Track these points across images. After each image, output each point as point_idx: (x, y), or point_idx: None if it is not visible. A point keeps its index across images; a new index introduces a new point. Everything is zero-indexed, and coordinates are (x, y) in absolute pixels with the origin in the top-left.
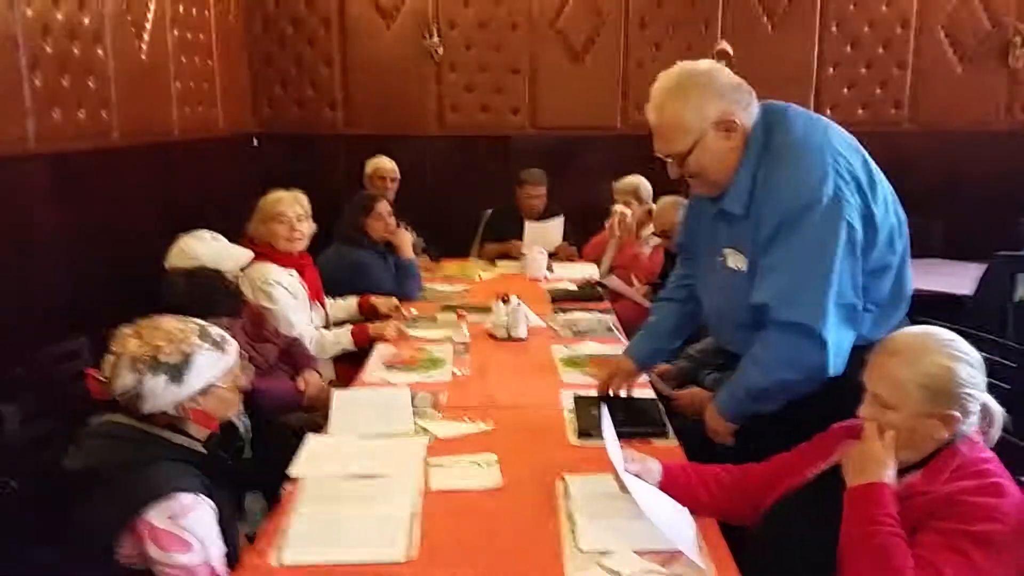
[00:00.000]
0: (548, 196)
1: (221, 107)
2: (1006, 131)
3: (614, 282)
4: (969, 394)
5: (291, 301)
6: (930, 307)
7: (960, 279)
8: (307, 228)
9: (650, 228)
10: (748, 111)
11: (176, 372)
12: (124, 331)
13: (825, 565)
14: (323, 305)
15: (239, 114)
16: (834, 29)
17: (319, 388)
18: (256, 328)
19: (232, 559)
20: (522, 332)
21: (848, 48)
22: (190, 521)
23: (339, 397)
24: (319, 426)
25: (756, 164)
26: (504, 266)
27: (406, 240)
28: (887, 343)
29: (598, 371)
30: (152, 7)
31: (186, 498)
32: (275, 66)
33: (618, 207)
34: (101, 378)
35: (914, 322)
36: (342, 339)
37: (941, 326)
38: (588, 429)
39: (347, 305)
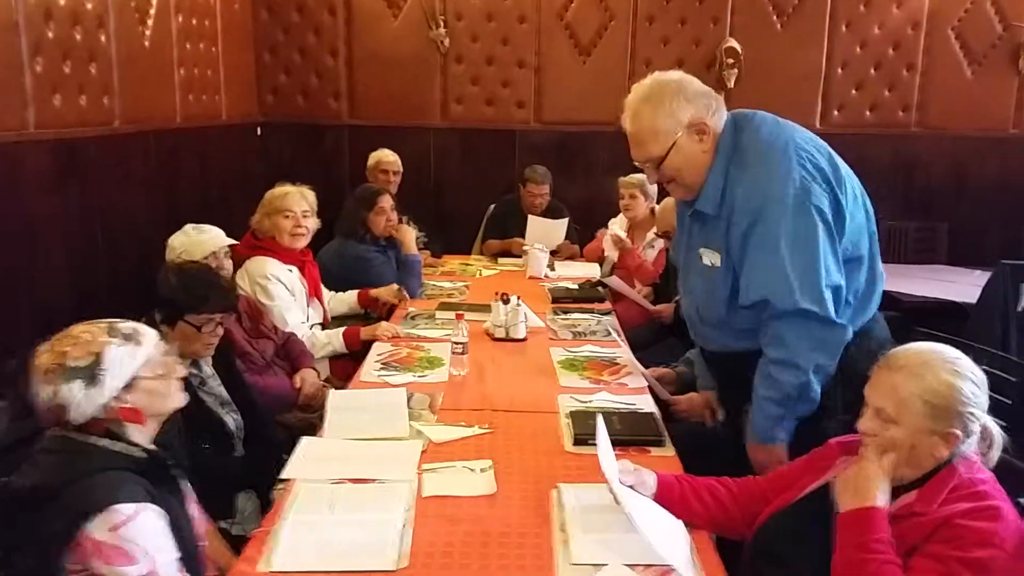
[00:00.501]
0: (552, 195)
1: (225, 95)
2: (1015, 136)
3: (615, 282)
4: (971, 413)
5: (288, 298)
6: (933, 315)
7: (963, 287)
8: (311, 224)
9: (653, 229)
10: (716, 116)
11: (89, 374)
12: (39, 347)
13: None
14: (322, 302)
15: (243, 102)
16: (844, 29)
17: (315, 386)
18: (254, 323)
19: (190, 560)
20: (521, 333)
21: (857, 48)
22: (132, 531)
23: (335, 398)
24: (315, 428)
25: (726, 165)
26: (505, 263)
27: (410, 236)
28: (892, 358)
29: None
30: None
31: (127, 508)
32: (280, 54)
33: (611, 232)
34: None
35: (916, 330)
36: (333, 341)
37: (942, 336)
38: (584, 436)
39: (347, 298)
